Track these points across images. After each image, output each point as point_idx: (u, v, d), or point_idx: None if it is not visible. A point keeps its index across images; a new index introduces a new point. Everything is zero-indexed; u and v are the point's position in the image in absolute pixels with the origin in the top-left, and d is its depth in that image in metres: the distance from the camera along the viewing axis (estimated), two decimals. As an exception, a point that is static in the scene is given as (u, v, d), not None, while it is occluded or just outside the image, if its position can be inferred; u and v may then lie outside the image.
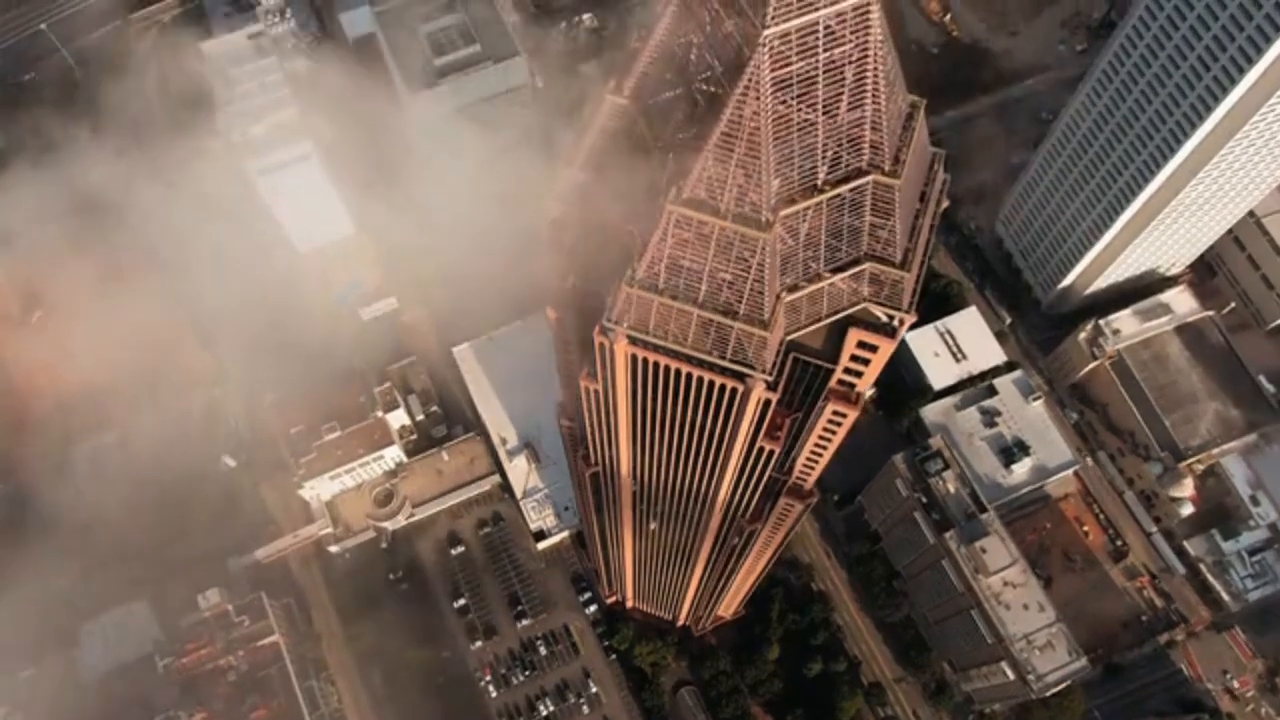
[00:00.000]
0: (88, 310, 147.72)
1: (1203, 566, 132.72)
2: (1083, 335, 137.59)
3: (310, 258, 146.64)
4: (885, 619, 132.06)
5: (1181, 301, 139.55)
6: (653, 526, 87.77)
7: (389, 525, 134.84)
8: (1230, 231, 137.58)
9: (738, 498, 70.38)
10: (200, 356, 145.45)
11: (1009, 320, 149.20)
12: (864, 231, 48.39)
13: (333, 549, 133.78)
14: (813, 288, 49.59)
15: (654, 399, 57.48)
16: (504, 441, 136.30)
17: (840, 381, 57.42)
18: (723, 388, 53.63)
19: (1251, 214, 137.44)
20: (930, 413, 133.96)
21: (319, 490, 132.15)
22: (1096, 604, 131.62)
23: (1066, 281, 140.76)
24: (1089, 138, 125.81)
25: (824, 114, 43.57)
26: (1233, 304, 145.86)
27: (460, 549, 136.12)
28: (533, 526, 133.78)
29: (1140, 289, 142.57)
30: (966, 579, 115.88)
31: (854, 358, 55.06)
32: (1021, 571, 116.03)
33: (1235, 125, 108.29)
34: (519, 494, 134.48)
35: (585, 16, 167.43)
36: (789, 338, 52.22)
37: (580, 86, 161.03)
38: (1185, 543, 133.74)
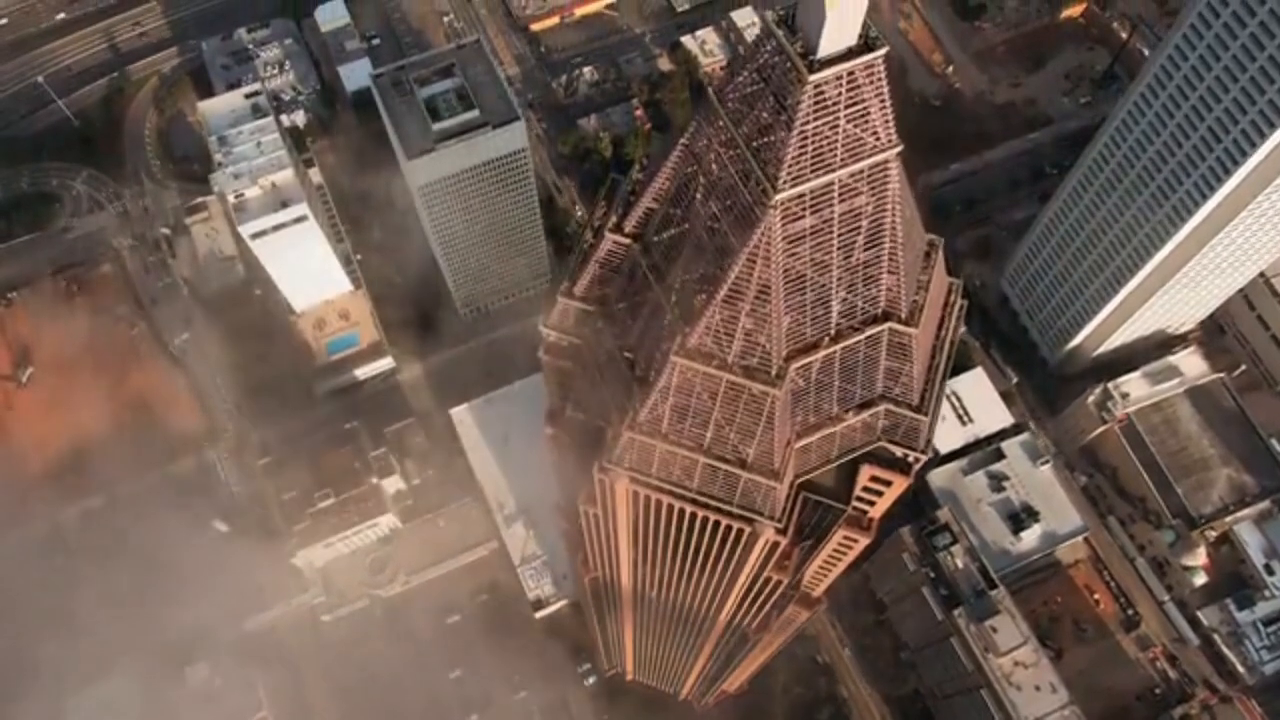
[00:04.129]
0: (79, 369, 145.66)
1: (1217, 637, 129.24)
2: (1091, 398, 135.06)
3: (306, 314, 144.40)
4: (892, 692, 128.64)
5: (1191, 364, 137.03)
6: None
7: (383, 593, 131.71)
8: (1240, 290, 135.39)
9: (742, 613, 67.60)
10: (193, 417, 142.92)
11: (1015, 380, 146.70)
12: (879, 375, 46.03)
13: (325, 618, 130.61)
14: (825, 431, 47.15)
15: (656, 529, 54.88)
16: (501, 506, 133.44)
17: (852, 507, 54.90)
18: (728, 527, 51.04)
19: (1261, 274, 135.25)
20: (937, 477, 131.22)
21: (312, 558, 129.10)
22: (1109, 676, 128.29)
23: (1075, 342, 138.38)
24: (1099, 198, 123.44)
25: (838, 262, 41.29)
26: (1244, 367, 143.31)
27: (456, 617, 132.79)
28: (530, 595, 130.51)
29: (1149, 348, 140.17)
30: (976, 658, 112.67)
31: (867, 488, 52.60)
32: (1033, 651, 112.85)
33: (1256, 189, 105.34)
34: (516, 561, 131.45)
35: (585, 69, 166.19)
36: (800, 480, 49.68)
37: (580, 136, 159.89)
38: (1199, 612, 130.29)
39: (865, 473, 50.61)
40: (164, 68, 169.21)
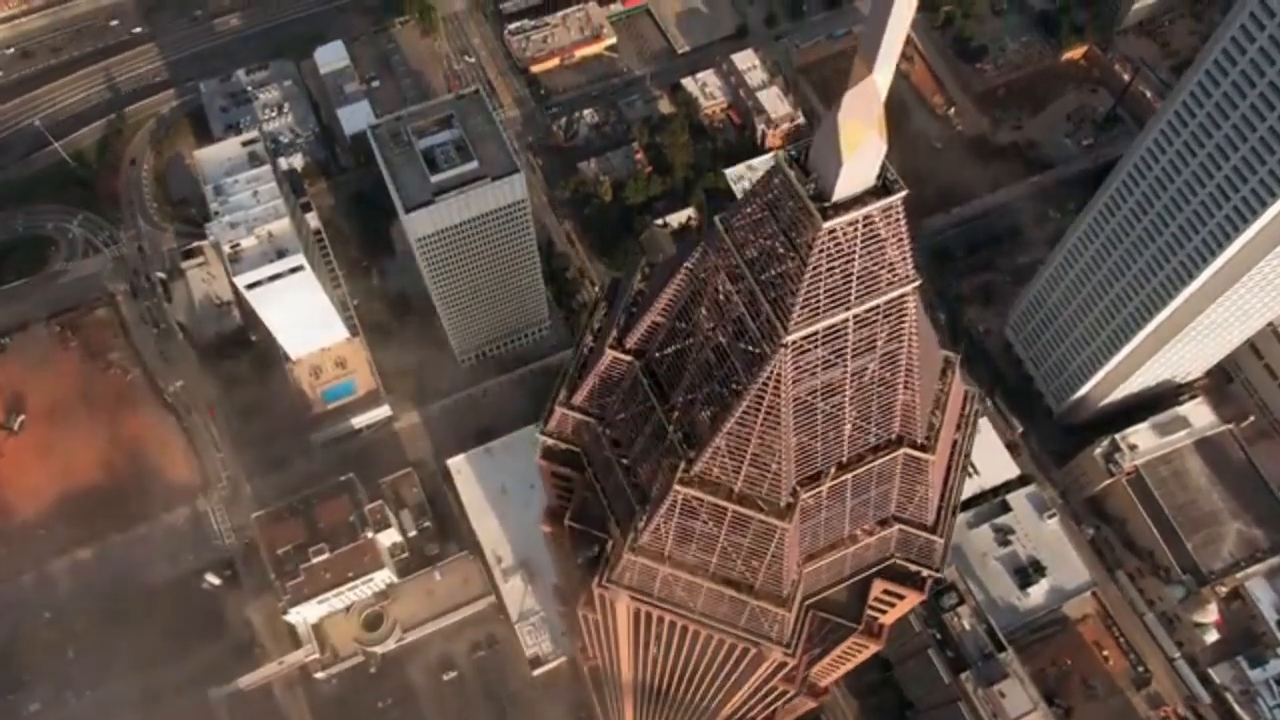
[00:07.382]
0: (73, 416, 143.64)
1: (1229, 695, 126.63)
2: (1098, 450, 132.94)
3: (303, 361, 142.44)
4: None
5: (1199, 414, 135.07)
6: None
7: (378, 649, 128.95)
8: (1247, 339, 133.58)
9: (747, 709, 65.29)
10: (187, 467, 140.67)
11: (1020, 429, 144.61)
12: (894, 496, 44.11)
13: (319, 675, 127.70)
14: (836, 554, 45.14)
15: (658, 641, 52.73)
16: (499, 560, 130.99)
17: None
18: (733, 645, 48.91)
19: (1269, 323, 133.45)
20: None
21: (306, 614, 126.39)
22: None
23: (1081, 392, 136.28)
24: (1107, 247, 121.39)
25: (851, 390, 39.45)
26: (1252, 417, 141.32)
27: (453, 674, 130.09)
28: (528, 652, 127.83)
29: (1156, 396, 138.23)
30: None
31: (879, 599, 50.55)
32: (1043, 717, 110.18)
33: (1272, 241, 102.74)
34: (514, 616, 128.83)
35: (585, 112, 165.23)
36: (809, 601, 47.63)
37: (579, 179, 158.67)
38: (1210, 670, 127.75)
39: (877, 587, 48.62)
40: (162, 109, 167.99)
